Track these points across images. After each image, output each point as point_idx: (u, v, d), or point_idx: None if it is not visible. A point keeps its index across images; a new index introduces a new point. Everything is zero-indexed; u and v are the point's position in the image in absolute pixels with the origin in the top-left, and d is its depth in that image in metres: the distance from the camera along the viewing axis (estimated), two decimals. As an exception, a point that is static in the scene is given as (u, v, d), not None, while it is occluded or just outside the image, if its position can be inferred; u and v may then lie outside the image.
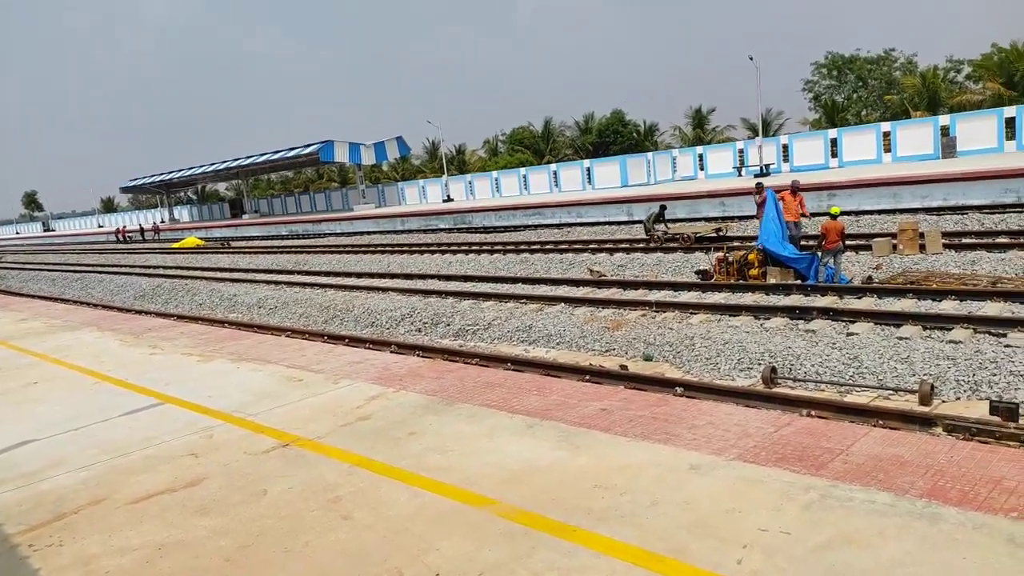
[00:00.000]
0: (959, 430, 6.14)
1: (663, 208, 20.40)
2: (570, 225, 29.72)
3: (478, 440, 5.33)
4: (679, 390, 7.81)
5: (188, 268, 29.49)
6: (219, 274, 25.71)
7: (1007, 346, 8.51)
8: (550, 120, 64.28)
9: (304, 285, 20.06)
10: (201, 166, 63.81)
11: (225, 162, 60.50)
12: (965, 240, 15.28)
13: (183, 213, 78.16)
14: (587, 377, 8.65)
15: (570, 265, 18.79)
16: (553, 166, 47.58)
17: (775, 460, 4.48)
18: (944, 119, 33.42)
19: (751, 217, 18.72)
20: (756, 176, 33.13)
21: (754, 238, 17.69)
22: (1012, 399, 6.91)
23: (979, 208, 19.65)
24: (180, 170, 65.67)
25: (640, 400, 6.05)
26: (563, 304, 13.54)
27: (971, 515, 3.58)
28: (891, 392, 7.68)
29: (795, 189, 15.25)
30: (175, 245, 45.35)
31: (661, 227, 19.95)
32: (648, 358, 10.09)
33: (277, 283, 21.12)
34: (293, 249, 33.81)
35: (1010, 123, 30.54)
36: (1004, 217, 17.91)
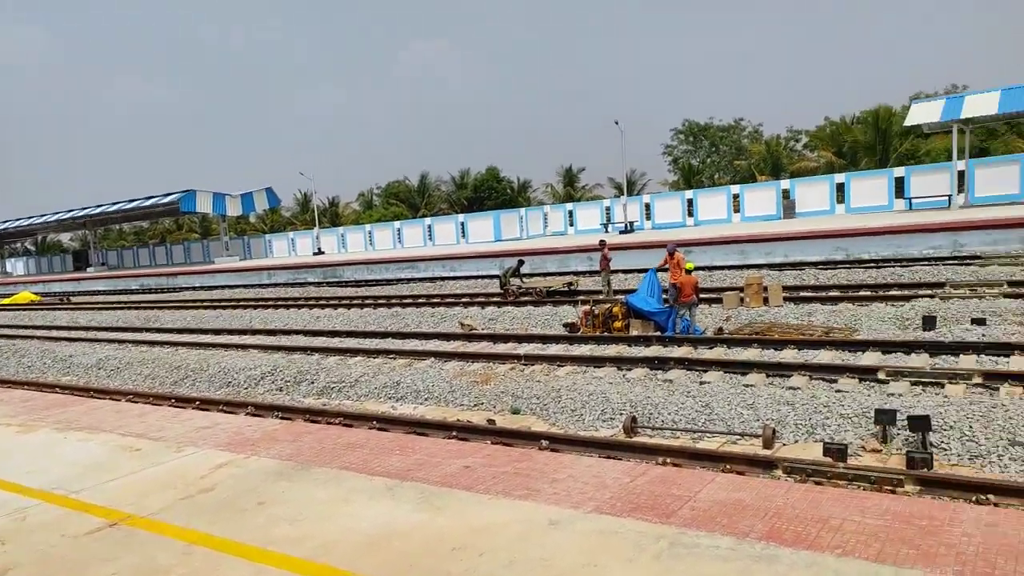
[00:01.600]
0: (797, 471, 6.56)
1: (520, 263, 21.01)
2: (443, 279, 29.76)
3: (334, 505, 5.06)
4: (544, 443, 7.86)
5: (18, 327, 26.60)
6: (54, 332, 23.36)
7: (838, 391, 9.28)
8: (426, 175, 65.00)
9: (153, 343, 18.60)
10: (42, 215, 58.68)
11: (71, 211, 55.96)
12: (802, 293, 16.73)
13: (17, 266, 71.09)
14: (454, 433, 8.53)
15: (442, 319, 18.70)
16: (428, 220, 47.85)
17: (629, 510, 4.56)
18: (785, 183, 37.09)
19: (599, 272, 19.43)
20: (621, 232, 34.95)
21: (600, 292, 18.39)
22: (842, 440, 7.51)
23: (815, 264, 21.71)
24: (16, 219, 59.95)
25: (504, 456, 6.01)
26: (433, 359, 13.38)
27: (803, 554, 3.79)
28: (738, 437, 8.12)
29: (671, 251, 14.93)
30: (5, 301, 40.91)
31: (516, 281, 20.45)
32: (516, 411, 10.13)
33: (121, 341, 19.44)
34: (144, 304, 31.43)
35: (840, 188, 34.41)
36: (836, 272, 19.85)
